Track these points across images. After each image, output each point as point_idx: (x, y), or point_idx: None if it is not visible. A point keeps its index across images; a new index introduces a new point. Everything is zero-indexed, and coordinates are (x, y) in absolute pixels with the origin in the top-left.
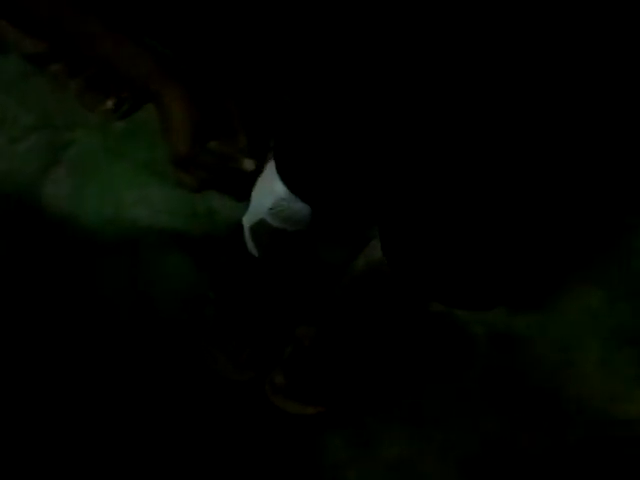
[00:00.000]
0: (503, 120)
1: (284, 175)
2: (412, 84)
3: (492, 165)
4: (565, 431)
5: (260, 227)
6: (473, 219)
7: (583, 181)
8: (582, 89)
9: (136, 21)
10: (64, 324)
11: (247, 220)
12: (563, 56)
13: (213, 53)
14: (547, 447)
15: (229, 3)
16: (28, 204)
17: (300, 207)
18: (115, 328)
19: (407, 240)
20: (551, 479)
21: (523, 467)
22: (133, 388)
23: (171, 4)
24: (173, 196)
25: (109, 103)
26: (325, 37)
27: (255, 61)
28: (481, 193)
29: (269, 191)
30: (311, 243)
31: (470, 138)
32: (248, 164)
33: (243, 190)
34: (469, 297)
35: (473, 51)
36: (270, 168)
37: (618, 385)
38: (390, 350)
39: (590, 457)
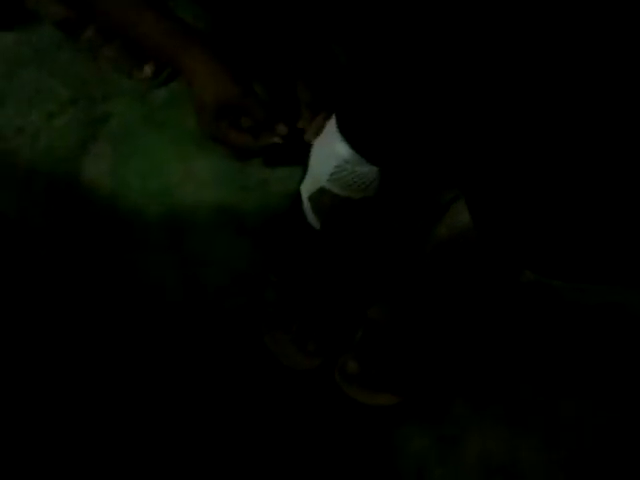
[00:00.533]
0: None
1: (347, 132)
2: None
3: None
4: None
5: (321, 196)
6: (571, 176)
7: None
8: None
9: None
10: (107, 309)
11: (306, 189)
12: None
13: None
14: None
15: None
16: (68, 182)
17: (366, 170)
18: (163, 314)
19: (498, 201)
20: None
21: (635, 466)
22: (186, 378)
23: None
24: (221, 168)
25: (147, 70)
26: None
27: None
28: (581, 147)
29: (329, 154)
30: (379, 211)
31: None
32: (281, 129)
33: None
34: (568, 265)
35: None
36: (329, 128)
37: None
38: (479, 328)
39: None
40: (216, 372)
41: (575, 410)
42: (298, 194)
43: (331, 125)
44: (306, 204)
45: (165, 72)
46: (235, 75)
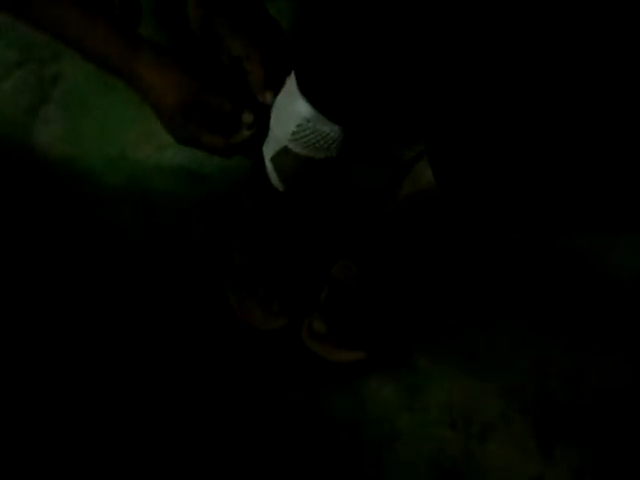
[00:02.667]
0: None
1: (307, 90)
2: None
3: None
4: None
5: (283, 157)
6: (535, 129)
7: None
8: None
9: None
10: (69, 285)
11: (267, 150)
12: None
13: None
14: (619, 384)
15: None
16: (19, 149)
17: (328, 129)
18: (129, 280)
19: (463, 157)
20: (623, 417)
21: (592, 408)
22: (154, 343)
23: None
24: None
25: None
26: None
27: None
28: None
29: (290, 114)
30: (342, 170)
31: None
32: (246, 117)
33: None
34: (536, 219)
35: None
36: (289, 87)
37: None
38: (443, 284)
39: None
40: (183, 336)
41: (536, 359)
42: (260, 155)
43: (290, 83)
44: (268, 165)
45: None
46: (190, 69)
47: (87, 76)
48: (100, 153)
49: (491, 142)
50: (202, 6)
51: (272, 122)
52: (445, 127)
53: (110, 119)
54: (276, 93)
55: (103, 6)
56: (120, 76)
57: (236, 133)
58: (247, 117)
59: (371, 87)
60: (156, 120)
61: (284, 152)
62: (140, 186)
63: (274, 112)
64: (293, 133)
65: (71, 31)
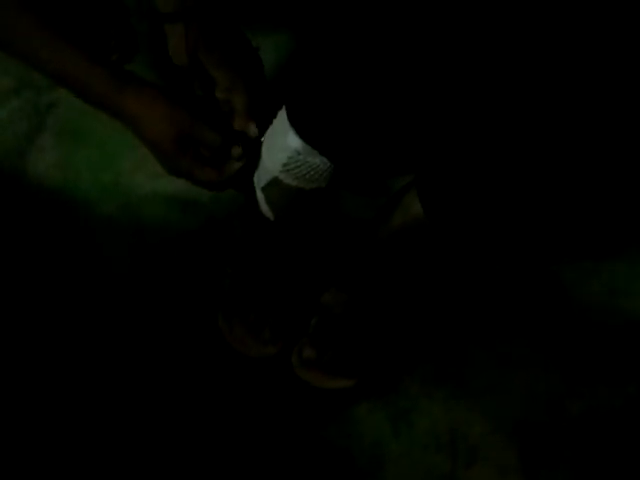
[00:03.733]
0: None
1: (298, 124)
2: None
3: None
4: (624, 385)
5: (274, 187)
6: (521, 164)
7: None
8: None
9: None
10: (61, 313)
11: (258, 181)
12: None
13: None
14: (605, 410)
15: None
16: (14, 176)
17: (318, 161)
18: (122, 306)
19: (449, 190)
20: (608, 443)
21: (577, 433)
22: (145, 369)
23: None
24: None
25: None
26: None
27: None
28: (529, 135)
29: (281, 146)
30: (331, 200)
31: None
32: (235, 150)
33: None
34: (519, 252)
35: None
36: (280, 120)
37: None
38: (431, 313)
39: None
40: (174, 363)
41: (522, 384)
42: (252, 185)
43: (281, 116)
44: (259, 195)
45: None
46: (180, 104)
47: (82, 104)
48: (94, 181)
49: (478, 175)
50: (188, 41)
51: (263, 153)
52: (433, 160)
53: (105, 147)
54: (259, 124)
55: (100, 41)
56: (110, 112)
57: (226, 166)
58: (236, 150)
59: (360, 122)
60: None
61: (275, 183)
62: (134, 214)
63: (265, 143)
64: (284, 165)
65: (63, 71)
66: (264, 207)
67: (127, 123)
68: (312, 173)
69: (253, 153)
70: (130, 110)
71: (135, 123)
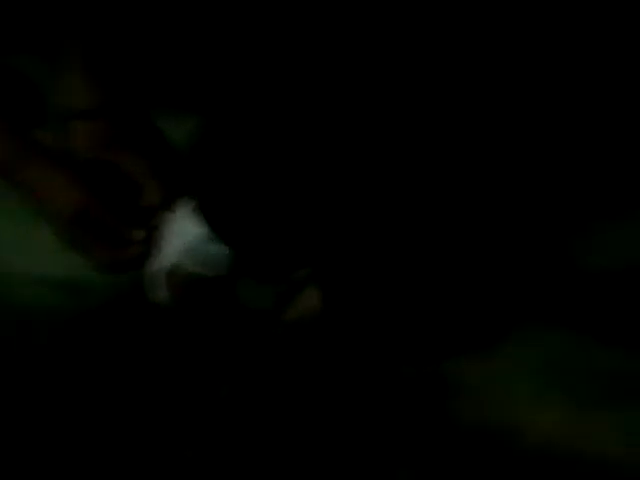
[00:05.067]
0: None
1: (201, 211)
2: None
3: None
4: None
5: (173, 272)
6: (422, 265)
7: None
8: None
9: None
10: None
11: (158, 265)
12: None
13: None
14: None
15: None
16: None
17: (219, 248)
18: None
19: (349, 287)
20: None
21: None
22: None
23: None
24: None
25: None
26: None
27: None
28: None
29: (182, 232)
30: (232, 288)
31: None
32: (136, 234)
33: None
34: (420, 350)
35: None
36: (182, 206)
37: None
38: (330, 414)
39: None
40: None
41: None
42: (149, 271)
43: (184, 203)
44: (157, 281)
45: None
46: (85, 177)
47: None
48: None
49: (376, 271)
50: (99, 135)
51: (164, 239)
52: (334, 255)
53: None
54: (168, 210)
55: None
56: (10, 180)
57: (126, 248)
58: (138, 233)
59: (264, 214)
60: (38, 228)
61: (175, 268)
62: (18, 299)
63: (166, 229)
64: (184, 251)
65: None
66: (161, 293)
67: (28, 192)
68: (213, 260)
69: (156, 238)
70: (32, 180)
71: (38, 195)
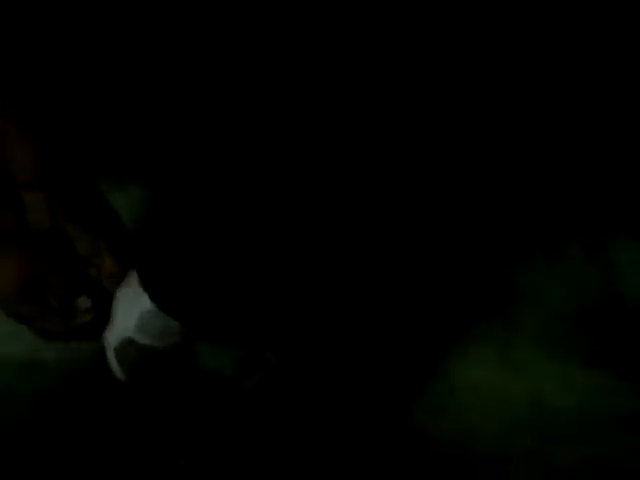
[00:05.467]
0: None
1: (148, 287)
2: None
3: None
4: None
5: (126, 347)
6: None
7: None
8: None
9: None
10: None
11: (110, 340)
12: None
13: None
14: None
15: None
16: None
17: (171, 321)
18: None
19: (305, 353)
20: None
21: None
22: None
23: None
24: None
25: None
26: None
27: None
28: None
29: (133, 305)
30: (187, 356)
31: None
32: (83, 302)
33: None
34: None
35: None
36: (132, 279)
37: None
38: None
39: None
40: None
41: None
42: (102, 346)
43: (133, 276)
44: (110, 356)
45: None
46: (30, 250)
47: None
48: None
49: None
50: (48, 208)
51: (115, 312)
52: (288, 322)
53: None
54: (117, 282)
55: None
56: None
57: (73, 317)
58: (84, 301)
59: (212, 293)
60: None
61: (128, 342)
62: None
63: (117, 302)
64: (136, 325)
65: None
66: (115, 368)
67: None
68: (165, 332)
69: (103, 307)
70: None
71: None
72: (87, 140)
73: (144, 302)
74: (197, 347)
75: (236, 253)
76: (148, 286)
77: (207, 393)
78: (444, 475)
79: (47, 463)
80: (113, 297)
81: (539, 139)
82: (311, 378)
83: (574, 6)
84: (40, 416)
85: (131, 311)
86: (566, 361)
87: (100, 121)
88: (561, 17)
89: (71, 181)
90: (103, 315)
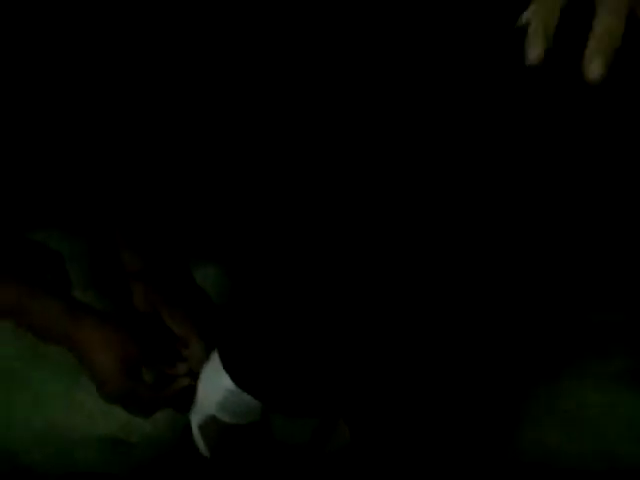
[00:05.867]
0: None
1: (230, 369)
2: None
3: None
4: None
5: (210, 424)
6: None
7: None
8: None
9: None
10: None
11: (195, 418)
12: None
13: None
14: None
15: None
16: None
17: (251, 399)
18: None
19: (377, 423)
20: None
21: None
22: None
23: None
24: None
25: None
26: None
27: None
28: None
29: (216, 385)
30: (265, 429)
31: None
32: (181, 368)
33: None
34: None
35: None
36: (214, 361)
37: None
38: None
39: None
40: None
41: None
42: (187, 425)
43: (215, 357)
44: (196, 433)
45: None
46: (130, 332)
47: (17, 350)
48: (29, 426)
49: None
50: (147, 296)
51: (199, 391)
52: (359, 392)
53: (40, 391)
54: (203, 362)
55: (34, 275)
56: (58, 342)
57: (169, 386)
58: (182, 368)
59: (292, 374)
60: (85, 390)
61: (211, 420)
62: (69, 458)
63: (201, 381)
64: (219, 403)
65: (14, 305)
66: (200, 444)
67: (77, 352)
68: (247, 410)
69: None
70: (79, 339)
71: (84, 350)
72: (175, 229)
73: (225, 381)
74: (274, 420)
75: (310, 335)
76: (229, 367)
77: (286, 463)
78: None
79: None
80: (198, 377)
81: None
82: (386, 442)
83: None
84: None
85: (214, 390)
86: None
87: (180, 209)
88: None
89: (168, 274)
90: (191, 391)
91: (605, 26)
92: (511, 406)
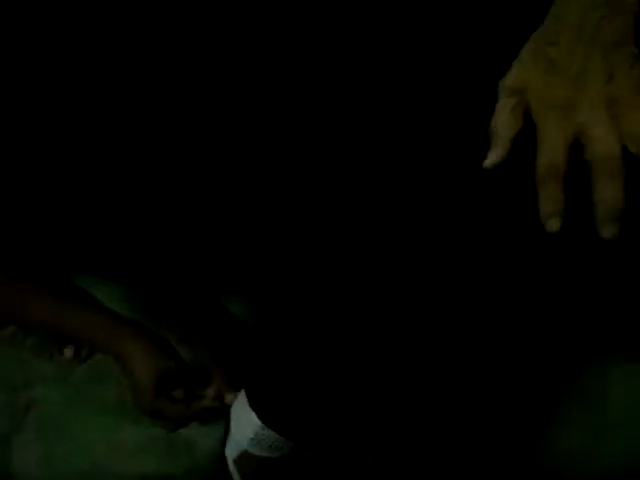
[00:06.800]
0: None
1: (257, 409)
2: None
3: None
4: None
5: (244, 459)
6: None
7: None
8: None
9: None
10: None
11: (230, 452)
12: None
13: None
14: None
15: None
16: None
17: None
18: None
19: (404, 455)
20: None
21: None
22: None
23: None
24: (148, 435)
25: (68, 352)
26: None
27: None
28: None
29: (247, 422)
30: (299, 462)
31: None
32: (210, 392)
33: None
34: None
35: None
36: (244, 398)
37: None
38: None
39: None
40: None
41: None
42: (224, 457)
43: (244, 395)
44: (231, 467)
45: (85, 350)
46: (165, 348)
47: (59, 398)
48: (74, 470)
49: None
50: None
51: (232, 426)
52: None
53: (83, 435)
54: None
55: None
56: (103, 350)
57: (199, 402)
58: (211, 392)
59: (319, 412)
60: (125, 428)
61: (245, 455)
62: None
63: (233, 417)
64: (251, 439)
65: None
66: (235, 477)
67: (118, 359)
68: (279, 444)
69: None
70: (124, 355)
71: (126, 365)
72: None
73: (255, 419)
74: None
75: (334, 374)
76: (256, 406)
77: None
78: None
79: None
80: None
81: None
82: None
83: None
84: None
85: (246, 426)
86: None
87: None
88: None
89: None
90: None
91: (607, 197)
92: (536, 409)
